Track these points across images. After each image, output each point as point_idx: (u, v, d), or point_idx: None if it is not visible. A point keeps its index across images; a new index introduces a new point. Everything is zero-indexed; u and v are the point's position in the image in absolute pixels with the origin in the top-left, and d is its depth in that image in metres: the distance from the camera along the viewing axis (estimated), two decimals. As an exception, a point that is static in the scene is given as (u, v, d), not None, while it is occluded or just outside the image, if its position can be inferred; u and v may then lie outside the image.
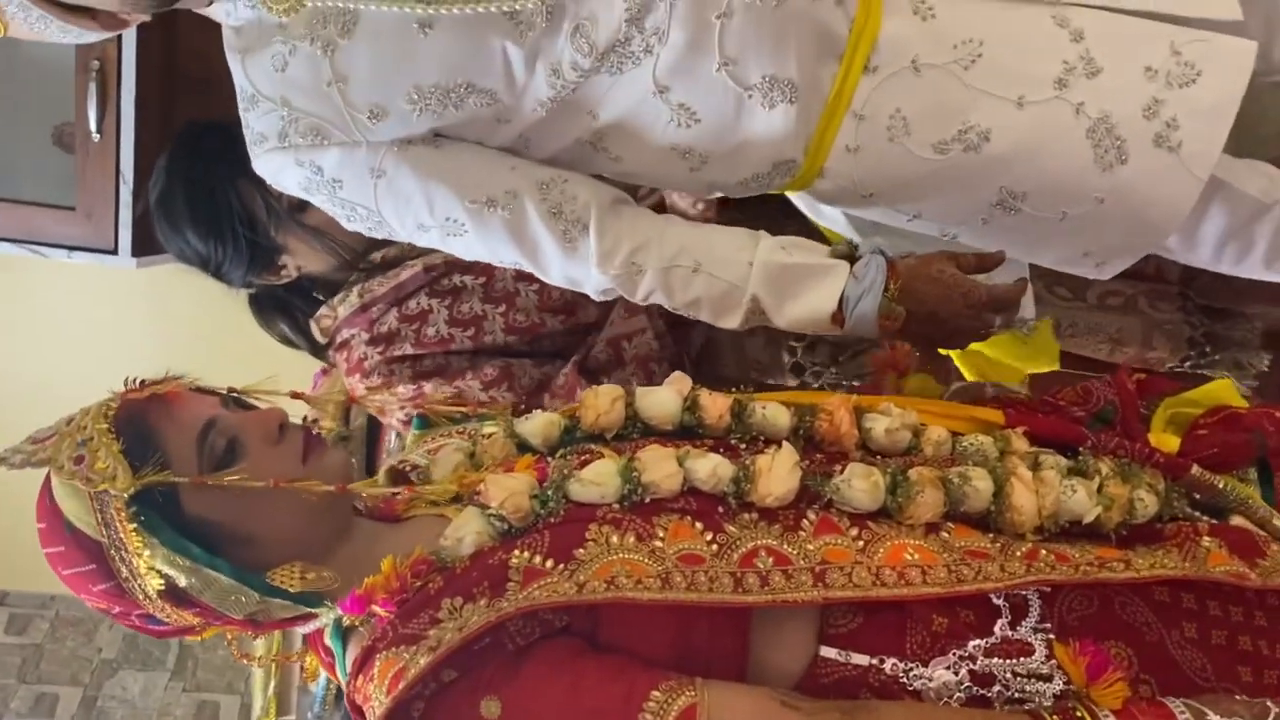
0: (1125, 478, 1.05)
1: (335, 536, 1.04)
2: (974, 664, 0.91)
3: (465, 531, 0.97)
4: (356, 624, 0.99)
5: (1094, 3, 1.25)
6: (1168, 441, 1.18)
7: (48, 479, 0.99)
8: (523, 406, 1.59)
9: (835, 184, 1.29)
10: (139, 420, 0.98)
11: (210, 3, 1.13)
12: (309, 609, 1.00)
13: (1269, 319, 1.79)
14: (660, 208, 1.57)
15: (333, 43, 1.12)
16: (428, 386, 1.66)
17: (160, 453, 0.96)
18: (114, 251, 1.98)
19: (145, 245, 1.95)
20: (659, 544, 0.93)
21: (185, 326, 2.37)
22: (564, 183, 1.24)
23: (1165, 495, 1.07)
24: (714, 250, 1.26)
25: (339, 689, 2.35)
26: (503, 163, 1.23)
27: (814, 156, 1.26)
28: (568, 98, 1.18)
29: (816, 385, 1.75)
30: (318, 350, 1.78)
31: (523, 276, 1.65)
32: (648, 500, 0.97)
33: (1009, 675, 0.91)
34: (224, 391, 1.06)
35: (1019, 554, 0.96)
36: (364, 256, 1.71)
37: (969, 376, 1.61)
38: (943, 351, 1.50)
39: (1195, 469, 1.10)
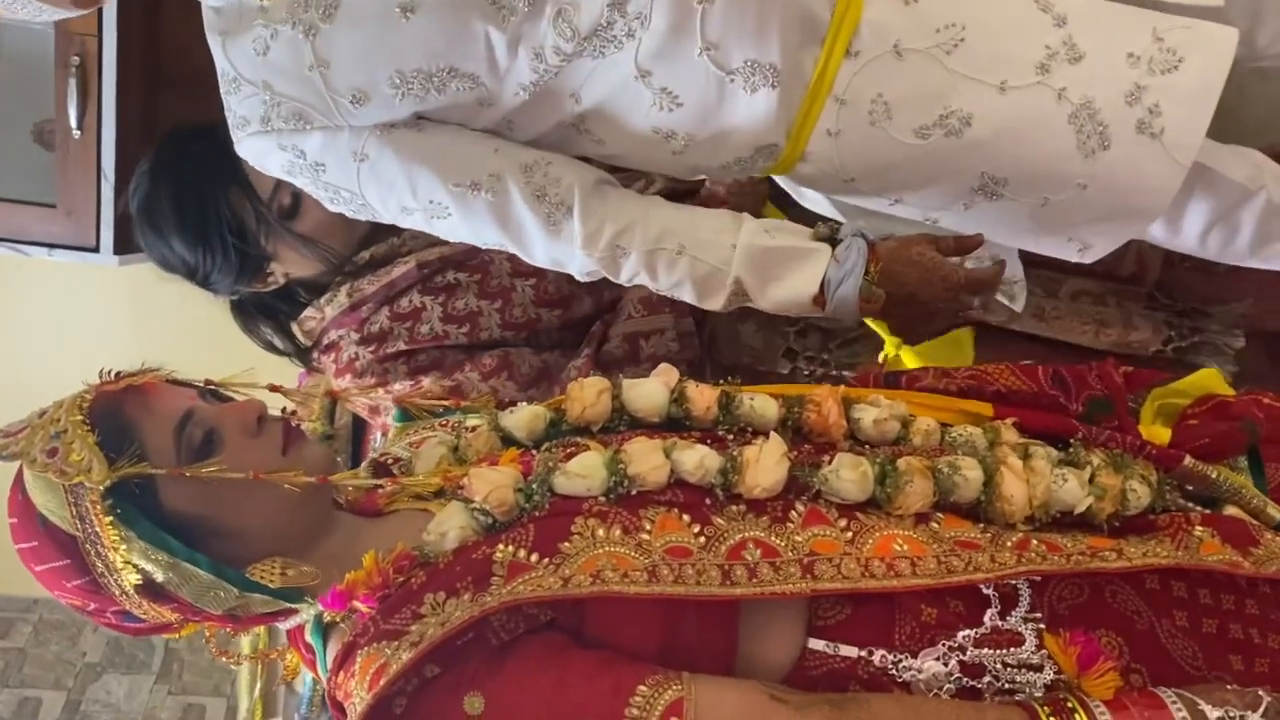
0: (1117, 468, 1.05)
1: (316, 530, 1.02)
2: (964, 655, 0.90)
3: (449, 526, 0.96)
4: (338, 620, 0.97)
5: None
6: (1158, 434, 1.18)
7: (20, 473, 0.97)
8: (528, 395, 1.59)
9: (817, 168, 1.30)
10: (115, 412, 0.97)
11: None
12: (289, 604, 0.98)
13: (1233, 317, 1.81)
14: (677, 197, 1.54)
15: (314, 27, 1.12)
16: (426, 381, 1.65)
17: (137, 444, 0.94)
18: (96, 249, 1.98)
19: (127, 243, 1.93)
20: (646, 537, 0.92)
21: (168, 324, 2.36)
22: (548, 165, 1.24)
23: (1158, 487, 1.06)
24: (697, 233, 1.27)
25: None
26: (486, 145, 1.23)
27: (796, 141, 1.26)
28: (550, 82, 1.18)
29: (808, 371, 1.75)
30: (303, 354, 1.75)
31: (518, 272, 1.65)
32: (634, 493, 0.96)
33: (999, 666, 0.90)
34: (201, 384, 1.05)
35: (1009, 544, 0.95)
36: (351, 259, 1.68)
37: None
38: (889, 344, 1.50)
39: (1188, 460, 1.10)
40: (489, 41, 1.14)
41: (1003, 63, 1.22)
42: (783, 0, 1.18)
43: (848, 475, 0.97)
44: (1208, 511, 1.08)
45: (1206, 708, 0.85)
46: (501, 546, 0.92)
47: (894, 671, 0.90)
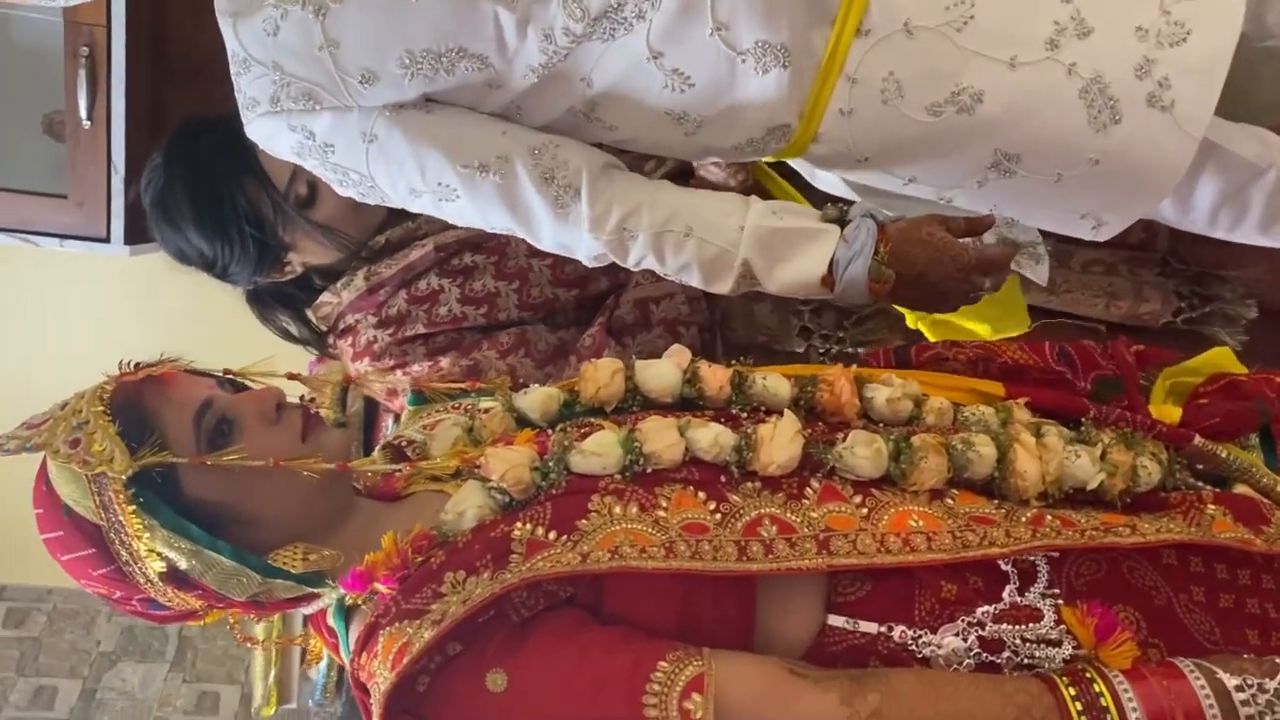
0: (1128, 446, 1.05)
1: (336, 516, 1.03)
2: (983, 630, 0.91)
3: (466, 505, 0.96)
4: (359, 602, 0.98)
5: None
6: (1169, 413, 1.18)
7: (44, 464, 0.98)
8: (545, 372, 1.59)
9: (830, 148, 1.29)
10: (135, 402, 0.97)
11: None
12: (311, 589, 0.99)
13: (1248, 282, 1.81)
14: (678, 177, 1.55)
15: (324, 7, 1.12)
16: (444, 361, 1.65)
17: (157, 433, 0.95)
18: (106, 239, 1.98)
19: (138, 233, 1.94)
20: (662, 514, 0.92)
21: (179, 314, 2.37)
22: (556, 148, 1.24)
23: (1168, 465, 1.06)
24: (705, 215, 1.26)
25: (339, 676, 2.34)
26: (494, 127, 1.23)
27: (808, 121, 1.26)
28: (560, 64, 1.17)
29: (824, 350, 1.76)
30: (319, 340, 1.75)
31: (535, 252, 1.63)
32: (649, 471, 0.97)
33: (1018, 641, 0.91)
34: (219, 373, 1.06)
35: (1024, 520, 0.95)
36: (367, 244, 1.68)
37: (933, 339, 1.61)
38: (909, 316, 1.51)
39: (1198, 439, 1.10)
40: (498, 22, 1.13)
41: (1012, 39, 1.22)
42: None
43: (862, 451, 0.97)
44: (1219, 490, 1.08)
45: (1224, 676, 0.85)
46: (519, 524, 0.92)
47: (914, 647, 0.90)
